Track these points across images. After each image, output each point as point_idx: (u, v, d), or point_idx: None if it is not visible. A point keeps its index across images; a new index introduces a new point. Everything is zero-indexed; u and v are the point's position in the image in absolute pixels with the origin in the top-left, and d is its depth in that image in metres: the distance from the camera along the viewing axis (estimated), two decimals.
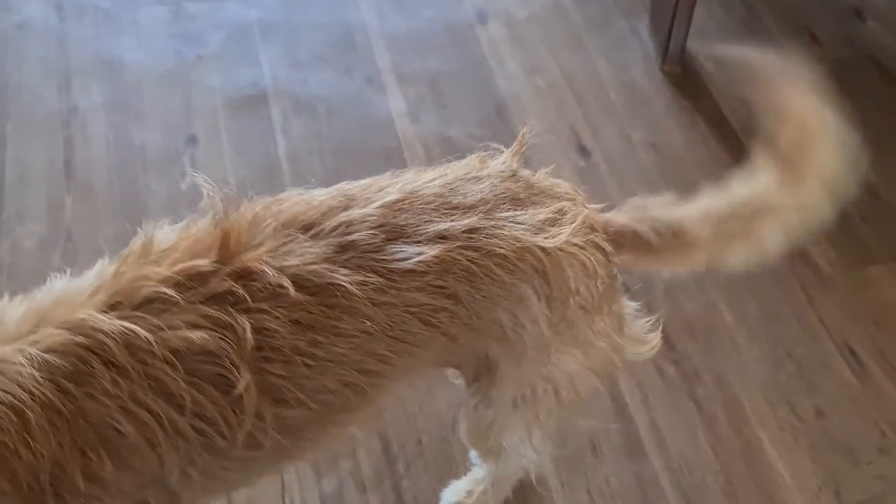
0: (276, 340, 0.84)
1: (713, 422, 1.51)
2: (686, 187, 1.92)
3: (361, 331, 0.87)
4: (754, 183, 1.00)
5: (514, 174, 0.97)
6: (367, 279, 0.86)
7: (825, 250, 1.75)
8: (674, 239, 1.00)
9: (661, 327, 1.09)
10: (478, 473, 1.35)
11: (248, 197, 0.90)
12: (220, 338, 0.82)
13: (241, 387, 0.82)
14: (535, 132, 1.03)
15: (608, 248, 0.98)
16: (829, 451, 1.48)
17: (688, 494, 1.42)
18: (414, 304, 0.88)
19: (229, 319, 0.82)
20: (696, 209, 1.00)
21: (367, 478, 1.40)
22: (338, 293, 0.85)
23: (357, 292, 0.85)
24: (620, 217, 1.02)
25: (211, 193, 0.88)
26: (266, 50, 2.04)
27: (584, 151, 1.90)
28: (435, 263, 0.87)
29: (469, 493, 1.35)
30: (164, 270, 0.83)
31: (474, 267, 0.89)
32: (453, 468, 1.40)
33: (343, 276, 0.85)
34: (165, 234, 0.89)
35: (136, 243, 0.87)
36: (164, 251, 0.86)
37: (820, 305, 1.67)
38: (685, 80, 2.05)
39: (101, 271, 0.86)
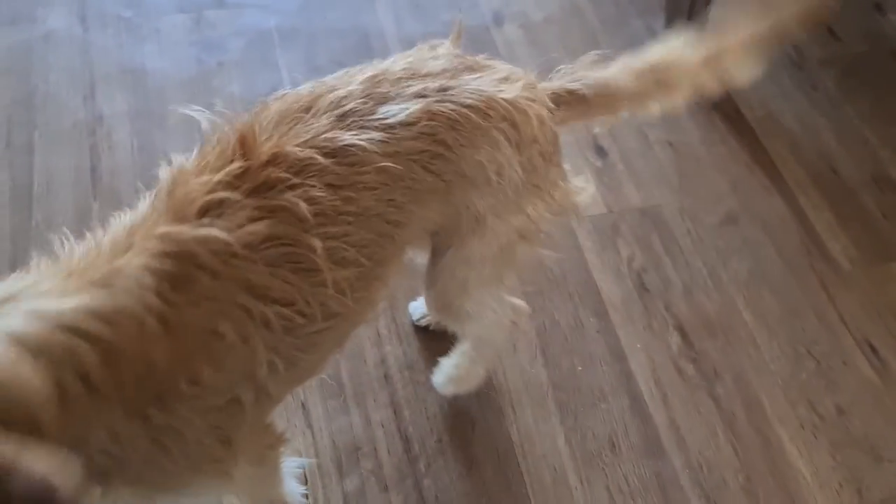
0: (321, 206, 0.94)
1: (733, 420, 1.51)
2: (705, 186, 1.92)
3: (380, 182, 0.99)
4: (669, 45, 1.20)
5: (460, 55, 1.12)
6: (372, 136, 0.99)
7: (845, 247, 1.74)
8: (603, 90, 1.17)
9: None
10: (461, 346, 1.44)
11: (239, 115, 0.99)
12: (279, 221, 0.92)
13: (318, 249, 0.92)
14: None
15: (550, 105, 1.15)
16: (850, 448, 1.48)
17: (708, 493, 1.42)
18: (414, 152, 1.02)
19: (280, 202, 0.92)
20: (619, 66, 1.18)
21: (389, 477, 1.42)
22: (352, 151, 0.97)
23: (368, 147, 0.98)
24: (553, 83, 1.18)
25: (210, 118, 0.98)
26: (285, 56, 2.07)
27: (600, 151, 1.90)
28: (421, 114, 1.02)
29: (457, 365, 1.44)
30: (205, 180, 0.92)
31: (455, 115, 1.03)
32: (474, 466, 1.41)
33: (352, 137, 0.97)
34: (184, 160, 0.97)
35: (164, 175, 0.94)
36: (195, 168, 0.94)
37: (840, 302, 1.66)
38: None
39: (148, 202, 0.93)
